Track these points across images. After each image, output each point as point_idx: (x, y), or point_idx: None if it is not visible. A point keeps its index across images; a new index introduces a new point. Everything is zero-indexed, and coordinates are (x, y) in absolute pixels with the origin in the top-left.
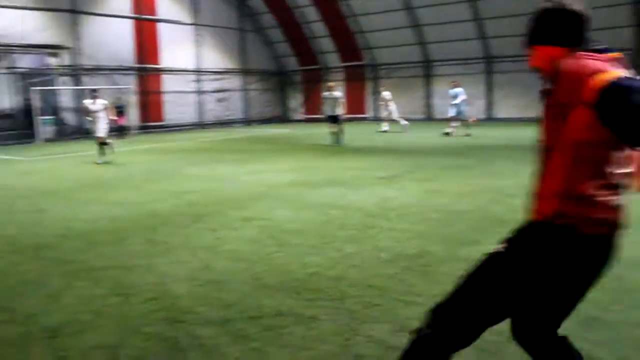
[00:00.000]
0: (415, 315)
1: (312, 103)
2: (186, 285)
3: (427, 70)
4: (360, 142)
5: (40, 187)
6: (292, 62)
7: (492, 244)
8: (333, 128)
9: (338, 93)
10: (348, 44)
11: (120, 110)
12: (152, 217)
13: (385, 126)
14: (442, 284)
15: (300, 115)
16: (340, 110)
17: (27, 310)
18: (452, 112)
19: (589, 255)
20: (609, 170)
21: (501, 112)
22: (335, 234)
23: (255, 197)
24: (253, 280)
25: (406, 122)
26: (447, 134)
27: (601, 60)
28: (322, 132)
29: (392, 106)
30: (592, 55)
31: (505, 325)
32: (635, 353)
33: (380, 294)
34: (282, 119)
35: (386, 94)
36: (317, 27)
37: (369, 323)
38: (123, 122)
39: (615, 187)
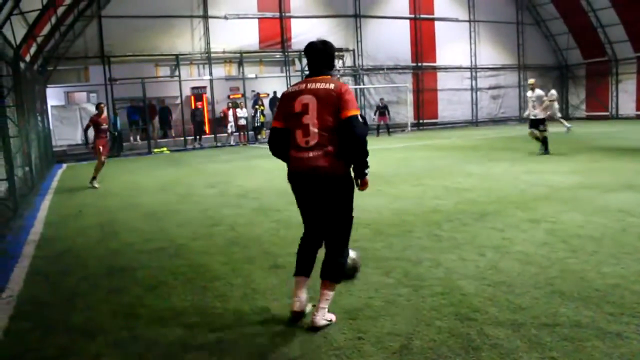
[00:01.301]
0: None
1: (596, 99)
2: (475, 284)
3: None
4: None
5: None
6: (574, 55)
7: None
8: (535, 134)
9: (540, 92)
10: None
11: (382, 111)
12: (435, 212)
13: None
14: None
15: (581, 112)
16: (542, 113)
17: None
18: None
19: None
20: None
21: None
22: (635, 244)
23: (539, 198)
24: (546, 286)
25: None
26: None
27: None
28: (607, 130)
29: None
30: None
31: None
32: None
33: None
34: (561, 116)
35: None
36: (607, 15)
37: None
38: (386, 121)
39: None
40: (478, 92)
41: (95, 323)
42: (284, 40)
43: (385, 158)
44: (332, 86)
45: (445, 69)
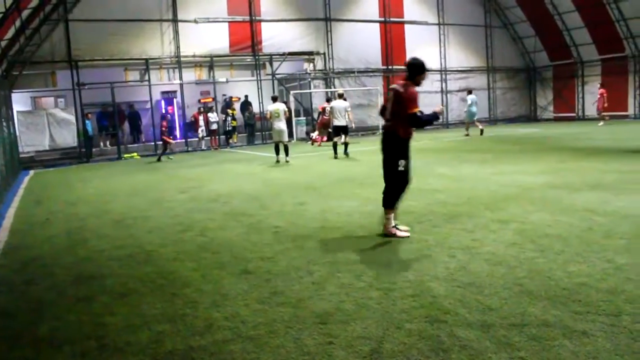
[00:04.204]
0: None
1: (564, 101)
2: (445, 285)
3: None
4: (623, 142)
5: (299, 181)
6: (541, 58)
7: None
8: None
9: (346, 103)
10: (607, 34)
11: None
12: (405, 215)
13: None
14: None
15: (549, 114)
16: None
17: (297, 295)
18: None
19: None
20: None
21: None
22: (601, 242)
23: (508, 199)
24: (514, 286)
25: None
26: None
27: None
28: (575, 131)
29: None
30: None
31: None
32: None
33: None
34: (529, 117)
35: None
36: (571, 18)
37: None
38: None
39: None
40: (448, 95)
41: (62, 333)
42: (255, 43)
43: (355, 161)
44: (398, 89)
45: None
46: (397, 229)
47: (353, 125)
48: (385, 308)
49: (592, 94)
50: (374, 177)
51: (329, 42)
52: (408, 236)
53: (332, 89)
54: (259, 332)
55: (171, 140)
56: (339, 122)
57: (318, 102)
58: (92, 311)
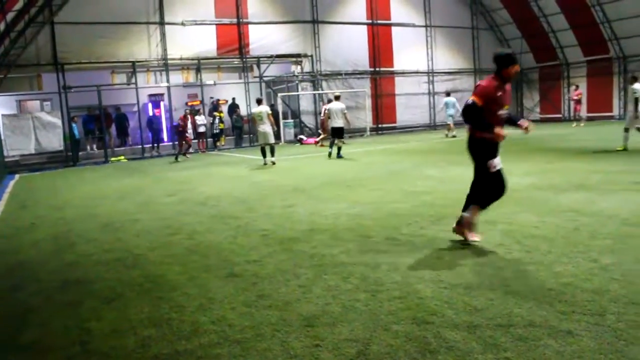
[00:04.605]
0: None
1: (550, 102)
2: (432, 287)
3: None
4: (606, 143)
5: (287, 184)
6: (527, 59)
7: None
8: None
9: (342, 104)
10: (591, 35)
11: None
12: (392, 217)
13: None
14: None
15: (536, 115)
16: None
17: (283, 297)
18: None
19: None
20: None
21: None
22: (586, 242)
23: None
24: (501, 287)
25: None
26: None
27: None
28: (561, 132)
29: None
30: None
31: None
32: None
33: None
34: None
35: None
36: (557, 20)
37: (637, 345)
38: None
39: None
40: (435, 96)
41: (47, 339)
42: (242, 46)
43: (344, 163)
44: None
45: (403, 73)
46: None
47: (350, 125)
48: (372, 310)
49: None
50: (361, 179)
51: (317, 45)
52: (479, 240)
53: (321, 91)
54: (245, 335)
55: (190, 140)
56: (336, 123)
57: (305, 105)
58: (78, 316)
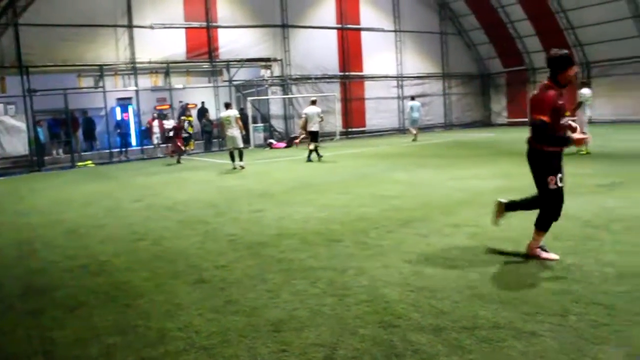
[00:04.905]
0: None
1: (517, 106)
2: (398, 290)
3: None
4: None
5: (256, 188)
6: (495, 64)
7: None
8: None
9: (318, 108)
10: (557, 41)
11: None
12: (361, 220)
13: None
14: None
15: (503, 119)
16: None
17: (251, 303)
18: None
19: None
20: None
21: None
22: (551, 244)
23: (462, 203)
24: (466, 289)
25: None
26: None
27: None
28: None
29: None
30: None
31: None
32: None
33: (608, 312)
34: (484, 123)
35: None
36: (523, 26)
37: (597, 344)
38: None
39: None
40: (404, 101)
41: (9, 349)
42: (212, 50)
43: (314, 167)
44: (535, 92)
45: (372, 78)
46: (544, 249)
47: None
48: (339, 314)
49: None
50: (330, 183)
51: (286, 49)
52: (557, 259)
53: (290, 96)
54: (212, 341)
55: (181, 145)
56: (313, 127)
57: (275, 109)
58: (41, 325)
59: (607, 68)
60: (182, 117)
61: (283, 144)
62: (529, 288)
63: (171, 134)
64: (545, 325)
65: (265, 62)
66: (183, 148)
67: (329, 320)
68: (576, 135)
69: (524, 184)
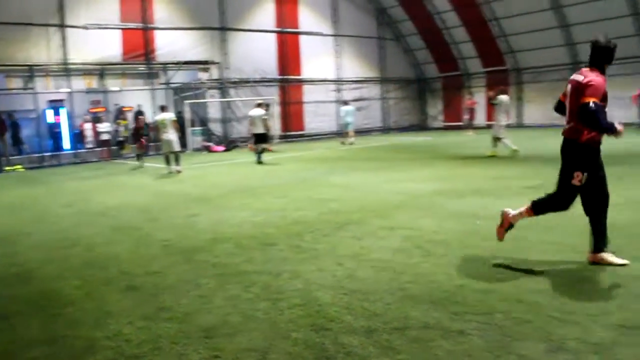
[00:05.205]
0: (572, 335)
1: (453, 110)
2: (332, 293)
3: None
4: (503, 150)
5: (192, 193)
6: (431, 69)
7: None
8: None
9: (262, 111)
10: (490, 48)
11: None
12: (297, 224)
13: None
14: (601, 303)
15: (439, 123)
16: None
17: (184, 309)
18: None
19: None
20: None
21: None
22: (481, 244)
23: (397, 206)
24: (398, 291)
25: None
26: None
27: None
28: (462, 140)
29: None
30: None
31: None
32: None
33: (531, 309)
34: (421, 126)
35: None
36: (458, 33)
37: (520, 341)
38: None
39: None
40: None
41: None
42: (148, 52)
43: (251, 170)
44: (580, 78)
45: (311, 81)
46: (609, 252)
47: (269, 132)
48: (272, 318)
49: (477, 104)
50: (268, 187)
51: (225, 52)
52: (626, 264)
53: (229, 99)
54: (142, 350)
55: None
56: (257, 130)
57: (214, 112)
58: None
59: (537, 74)
60: (141, 117)
61: (222, 148)
62: (459, 288)
63: (119, 138)
64: (472, 324)
65: (204, 65)
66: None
67: (262, 324)
68: (620, 127)
69: (458, 187)
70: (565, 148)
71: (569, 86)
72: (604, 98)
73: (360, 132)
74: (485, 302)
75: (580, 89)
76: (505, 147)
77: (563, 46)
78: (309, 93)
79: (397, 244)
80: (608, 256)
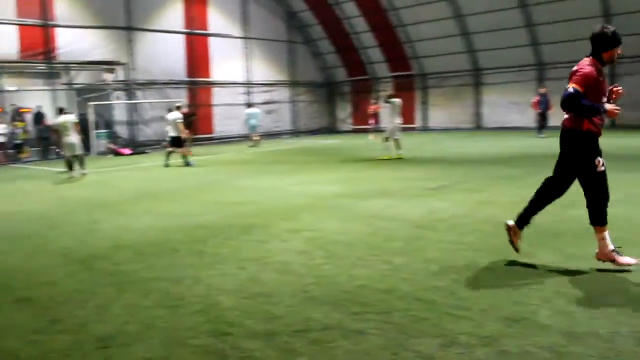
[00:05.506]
0: (465, 330)
1: (361, 114)
2: (234, 298)
3: (476, 79)
4: (409, 153)
5: (95, 198)
6: (341, 73)
7: (545, 257)
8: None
9: (179, 114)
10: (397, 53)
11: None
12: (201, 229)
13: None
14: (492, 298)
15: (348, 126)
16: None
17: (79, 320)
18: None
19: None
20: None
21: (555, 118)
22: (383, 246)
23: (303, 209)
24: (301, 293)
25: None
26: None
27: None
28: (371, 142)
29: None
30: None
31: None
32: None
33: (428, 307)
34: (331, 130)
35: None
36: (367, 38)
37: (417, 338)
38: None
39: None
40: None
41: None
42: (49, 50)
43: (156, 175)
44: (574, 67)
45: (220, 84)
46: (618, 253)
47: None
48: (171, 326)
49: (385, 107)
50: (173, 192)
51: (131, 52)
52: (635, 263)
53: (136, 101)
54: None
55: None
56: (172, 133)
57: (120, 115)
58: None
59: (441, 80)
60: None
61: (129, 151)
62: (360, 289)
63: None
64: (372, 324)
65: (109, 65)
66: None
67: (161, 333)
68: (609, 106)
69: (363, 189)
70: (566, 138)
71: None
72: (595, 87)
73: (270, 136)
74: (385, 302)
75: (570, 77)
76: (388, 149)
77: (464, 53)
78: (218, 96)
79: (301, 246)
80: (618, 256)
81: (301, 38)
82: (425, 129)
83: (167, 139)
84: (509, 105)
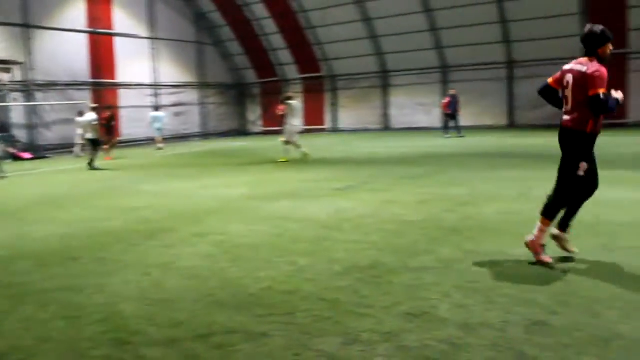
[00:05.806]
0: (367, 327)
1: (271, 116)
2: (136, 305)
3: (384, 81)
4: (318, 154)
5: None
6: (250, 75)
7: (445, 253)
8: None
9: (94, 115)
10: (306, 55)
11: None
12: (104, 235)
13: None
14: (394, 295)
15: (258, 128)
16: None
17: None
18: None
19: None
20: None
21: (463, 119)
22: (289, 247)
23: (210, 212)
24: (205, 297)
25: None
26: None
27: None
28: (279, 144)
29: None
30: None
31: None
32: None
33: (332, 306)
34: (240, 131)
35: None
36: (276, 39)
37: (319, 337)
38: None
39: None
40: (160, 109)
41: None
42: None
43: (56, 180)
44: (584, 69)
45: (127, 86)
46: (544, 251)
47: (99, 137)
48: (70, 338)
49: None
50: (75, 197)
51: (30, 51)
52: (551, 262)
53: (35, 103)
54: None
55: None
56: (89, 135)
57: (17, 117)
58: None
59: (350, 81)
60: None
61: (29, 155)
62: (264, 291)
63: None
64: (275, 325)
65: (4, 64)
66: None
67: (59, 345)
68: (619, 95)
69: (272, 191)
70: (569, 139)
71: (569, 75)
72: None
73: (179, 138)
74: (289, 303)
75: (586, 79)
76: (287, 151)
77: (372, 55)
78: (124, 98)
79: (207, 250)
80: (544, 256)
81: (210, 39)
82: (335, 130)
83: (82, 141)
84: (415, 106)
